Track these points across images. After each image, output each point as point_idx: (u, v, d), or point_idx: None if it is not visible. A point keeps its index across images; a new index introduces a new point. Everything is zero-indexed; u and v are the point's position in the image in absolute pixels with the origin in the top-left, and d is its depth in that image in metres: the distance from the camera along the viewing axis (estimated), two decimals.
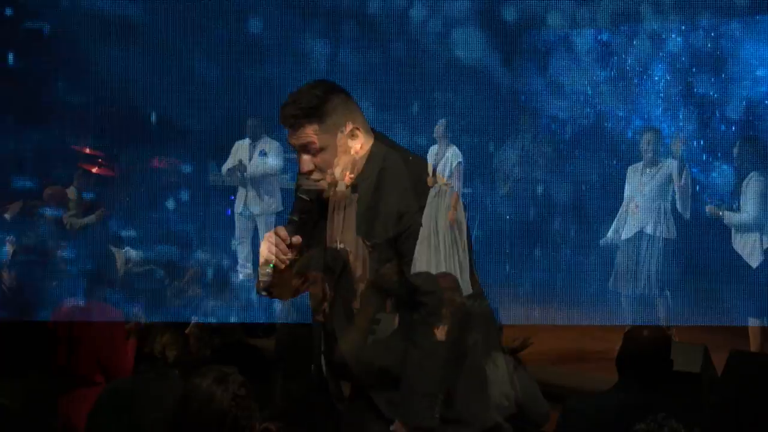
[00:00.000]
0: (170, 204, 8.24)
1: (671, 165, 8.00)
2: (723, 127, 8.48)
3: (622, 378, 4.55)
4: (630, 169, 8.24)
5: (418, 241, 3.26)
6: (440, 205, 3.30)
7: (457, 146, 8.78)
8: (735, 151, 8.01)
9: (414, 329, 3.26)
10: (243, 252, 8.83)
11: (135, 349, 5.54)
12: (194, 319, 5.59)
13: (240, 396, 3.24)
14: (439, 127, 8.79)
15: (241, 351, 5.32)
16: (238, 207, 8.86)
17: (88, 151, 8.38)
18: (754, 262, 7.71)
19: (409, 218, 3.30)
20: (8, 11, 8.13)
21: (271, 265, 3.29)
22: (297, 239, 3.32)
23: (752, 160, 7.81)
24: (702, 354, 5.87)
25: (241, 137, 8.83)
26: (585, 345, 8.05)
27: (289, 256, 3.31)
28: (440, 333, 3.24)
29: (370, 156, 3.40)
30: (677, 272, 7.98)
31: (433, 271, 3.27)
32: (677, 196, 7.96)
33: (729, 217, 7.82)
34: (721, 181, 8.40)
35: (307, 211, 3.38)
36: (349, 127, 3.38)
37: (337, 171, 3.35)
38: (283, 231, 3.32)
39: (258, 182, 8.84)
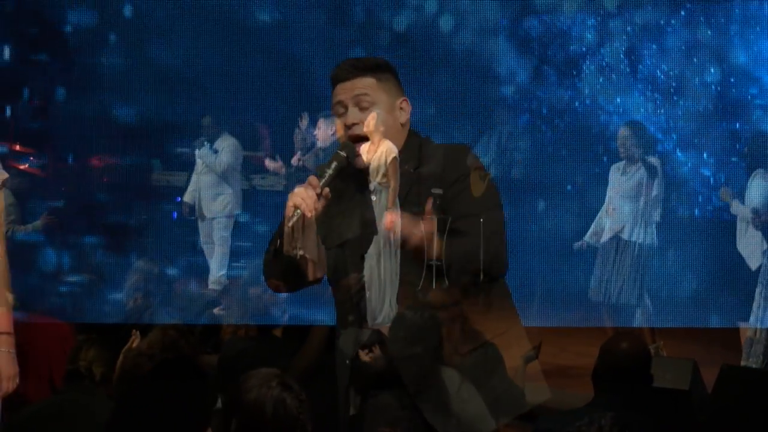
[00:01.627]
0: (108, 205, 8.14)
1: (645, 168, 7.99)
2: (735, 126, 8.31)
3: (597, 394, 4.53)
4: (612, 167, 8.18)
5: None
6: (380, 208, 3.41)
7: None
8: (745, 148, 8.02)
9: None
10: (210, 257, 8.63)
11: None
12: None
13: (303, 400, 3.32)
14: (370, 121, 8.44)
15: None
16: (196, 209, 8.69)
17: (18, 148, 8.21)
18: (754, 263, 7.71)
19: (459, 181, 3.46)
20: None
21: (299, 211, 3.33)
22: (327, 191, 3.37)
23: (760, 157, 7.87)
24: (691, 369, 5.89)
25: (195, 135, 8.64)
26: (561, 360, 8.06)
27: (318, 205, 3.36)
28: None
29: (410, 134, 3.59)
30: (655, 280, 7.96)
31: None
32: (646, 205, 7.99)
33: (737, 206, 7.87)
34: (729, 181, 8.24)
35: (339, 170, 3.43)
36: (401, 98, 3.55)
37: (382, 134, 3.47)
38: (314, 179, 3.38)
39: (210, 183, 8.66)
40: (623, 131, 8.10)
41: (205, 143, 8.46)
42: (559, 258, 7.91)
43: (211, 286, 8.22)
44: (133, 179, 8.16)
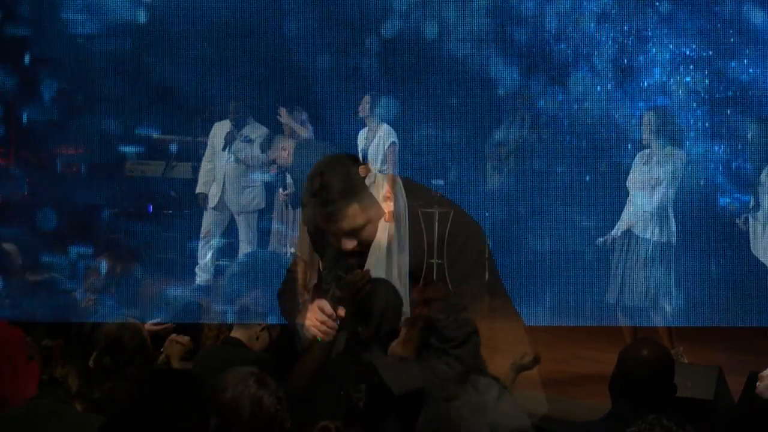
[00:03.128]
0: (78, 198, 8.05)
1: (667, 158, 7.88)
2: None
3: (615, 405, 4.49)
4: (637, 156, 8.10)
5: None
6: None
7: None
8: (749, 135, 7.98)
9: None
10: (208, 252, 8.56)
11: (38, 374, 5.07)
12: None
13: (280, 397, 3.46)
14: (364, 105, 8.34)
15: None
16: (212, 201, 8.63)
17: None
18: None
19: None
20: None
21: (319, 339, 3.66)
22: (341, 311, 3.65)
23: None
24: (716, 377, 5.84)
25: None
26: (575, 367, 7.98)
27: (335, 329, 3.67)
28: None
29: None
30: (673, 281, 7.89)
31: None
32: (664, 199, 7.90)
33: (753, 225, 7.87)
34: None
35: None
36: (385, 191, 3.70)
37: (379, 233, 3.67)
38: (328, 307, 3.65)
39: (238, 174, 8.57)
40: (647, 116, 7.99)
41: (235, 134, 8.39)
42: (578, 254, 8.00)
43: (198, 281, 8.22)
44: (105, 168, 8.16)
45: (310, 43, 8.09)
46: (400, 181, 3.72)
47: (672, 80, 8.40)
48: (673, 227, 7.92)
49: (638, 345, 4.76)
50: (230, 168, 8.55)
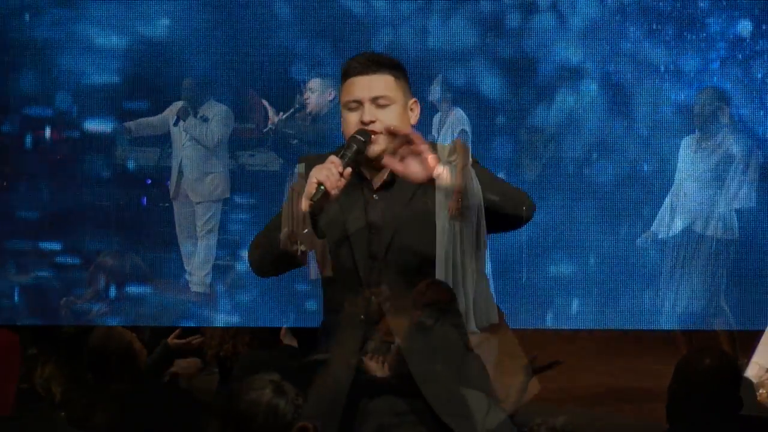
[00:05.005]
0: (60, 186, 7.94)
1: (735, 142, 7.72)
2: None
3: (672, 423, 4.41)
4: (683, 142, 7.85)
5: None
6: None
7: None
8: None
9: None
10: (185, 251, 8.29)
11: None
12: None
13: (298, 405, 3.59)
14: (435, 86, 8.14)
15: None
16: (171, 191, 8.29)
17: None
18: None
19: None
20: None
21: (322, 187, 3.64)
22: (348, 171, 3.69)
23: None
24: None
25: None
26: (625, 381, 7.99)
27: (340, 184, 3.68)
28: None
29: None
30: (735, 281, 7.75)
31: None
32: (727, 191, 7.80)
33: None
34: None
35: (357, 153, 3.76)
36: (412, 99, 3.91)
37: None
38: (335, 158, 3.70)
39: (196, 159, 8.21)
40: (703, 95, 7.77)
41: (189, 111, 8.06)
42: (616, 254, 7.81)
43: (193, 288, 7.97)
44: (93, 156, 7.96)
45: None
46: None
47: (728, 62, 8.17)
48: (735, 222, 7.77)
49: (699, 354, 4.63)
50: (187, 151, 8.25)
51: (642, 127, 8.10)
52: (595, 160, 8.16)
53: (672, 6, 8.27)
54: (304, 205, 3.69)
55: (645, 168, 8.03)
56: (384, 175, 3.83)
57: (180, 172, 8.16)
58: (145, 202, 8.23)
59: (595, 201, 8.00)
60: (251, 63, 7.96)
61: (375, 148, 3.80)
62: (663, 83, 8.24)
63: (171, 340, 5.99)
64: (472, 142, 8.20)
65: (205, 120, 8.10)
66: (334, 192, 3.67)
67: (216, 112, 8.11)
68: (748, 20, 8.10)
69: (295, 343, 6.27)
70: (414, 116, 3.91)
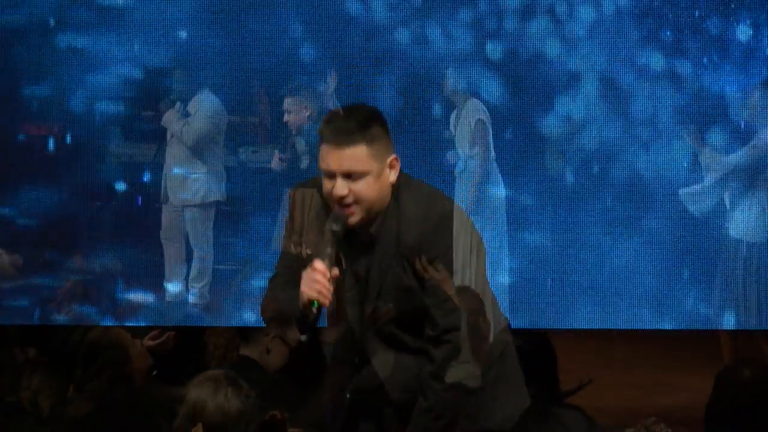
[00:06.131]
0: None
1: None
2: None
3: None
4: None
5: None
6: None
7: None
8: None
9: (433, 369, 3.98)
10: (170, 256, 8.07)
11: None
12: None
13: (249, 396, 3.81)
14: (446, 83, 8.06)
15: None
16: (161, 193, 8.09)
17: None
18: None
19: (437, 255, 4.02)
20: None
21: (315, 303, 3.82)
22: (335, 272, 3.87)
23: None
24: None
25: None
26: (658, 398, 7.96)
27: (332, 289, 3.86)
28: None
29: (397, 187, 4.06)
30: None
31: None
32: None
33: None
34: None
35: (336, 244, 3.92)
36: (391, 157, 3.99)
37: (374, 203, 3.95)
38: (321, 265, 3.86)
39: (180, 158, 7.99)
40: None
41: (177, 104, 7.80)
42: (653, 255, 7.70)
43: (191, 300, 7.84)
44: (85, 152, 7.82)
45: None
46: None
47: None
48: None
49: (739, 366, 4.72)
50: (172, 149, 8.03)
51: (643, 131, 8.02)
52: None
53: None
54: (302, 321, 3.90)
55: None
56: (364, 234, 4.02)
57: (165, 173, 7.99)
58: (139, 202, 8.12)
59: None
60: (251, 61, 7.74)
61: (352, 220, 3.95)
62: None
63: (146, 341, 5.93)
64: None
65: (185, 115, 7.87)
66: (328, 303, 3.86)
67: (202, 106, 7.88)
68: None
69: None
70: (393, 174, 3.99)
